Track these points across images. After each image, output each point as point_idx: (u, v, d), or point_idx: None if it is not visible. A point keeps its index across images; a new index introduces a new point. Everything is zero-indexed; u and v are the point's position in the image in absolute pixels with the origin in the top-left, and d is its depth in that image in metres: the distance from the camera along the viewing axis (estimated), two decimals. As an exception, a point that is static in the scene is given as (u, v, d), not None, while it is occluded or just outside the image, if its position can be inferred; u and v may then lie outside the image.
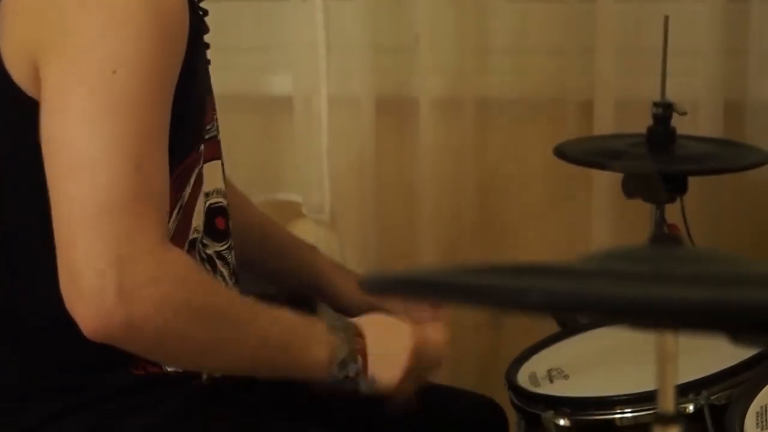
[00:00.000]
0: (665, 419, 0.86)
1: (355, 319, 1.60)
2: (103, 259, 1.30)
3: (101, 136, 1.33)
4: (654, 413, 0.87)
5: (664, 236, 0.77)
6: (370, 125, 2.41)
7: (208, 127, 1.58)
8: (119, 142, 1.33)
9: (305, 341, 1.50)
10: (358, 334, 1.56)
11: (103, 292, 1.30)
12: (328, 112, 2.44)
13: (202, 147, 1.53)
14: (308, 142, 2.44)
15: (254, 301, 1.49)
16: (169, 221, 1.44)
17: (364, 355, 1.55)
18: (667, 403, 0.86)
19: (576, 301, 0.74)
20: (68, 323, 1.40)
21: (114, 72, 1.34)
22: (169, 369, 1.54)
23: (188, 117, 1.46)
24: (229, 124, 1.72)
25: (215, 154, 1.63)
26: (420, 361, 1.58)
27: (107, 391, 1.52)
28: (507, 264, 0.81)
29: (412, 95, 2.41)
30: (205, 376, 1.58)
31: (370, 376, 1.56)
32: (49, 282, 1.42)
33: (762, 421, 1.38)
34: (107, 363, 1.51)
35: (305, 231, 2.43)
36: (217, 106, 1.63)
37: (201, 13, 1.56)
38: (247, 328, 1.45)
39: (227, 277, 1.64)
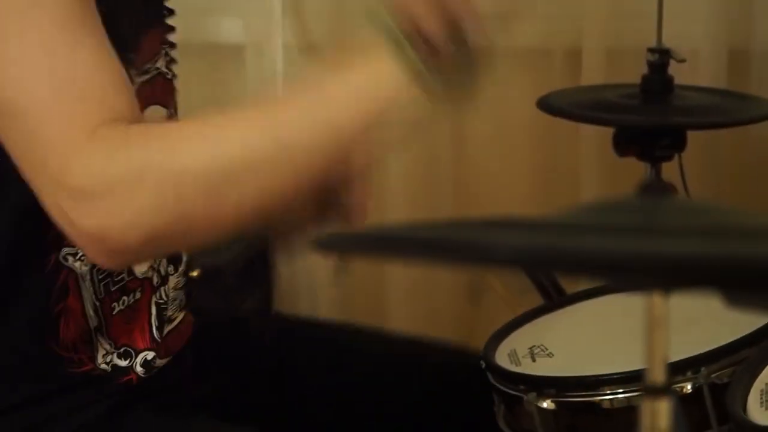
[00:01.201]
0: (654, 392, 0.85)
1: None
2: (59, 194, 1.29)
3: (18, 82, 1.32)
4: (643, 385, 0.86)
5: (652, 186, 0.76)
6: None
7: (145, 67, 1.57)
8: (26, 84, 1.32)
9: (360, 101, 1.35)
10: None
11: (83, 225, 1.28)
12: (283, 60, 2.46)
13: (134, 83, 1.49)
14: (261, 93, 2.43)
15: (260, 122, 1.35)
16: None
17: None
18: (657, 373, 0.85)
19: (549, 256, 0.74)
20: None
21: None
22: (101, 366, 1.54)
23: None
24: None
25: (157, 98, 1.61)
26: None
27: (39, 393, 1.52)
28: (475, 218, 0.81)
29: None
30: (140, 370, 1.57)
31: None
32: None
33: (766, 400, 1.38)
34: (39, 365, 1.52)
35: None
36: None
37: None
38: (276, 164, 1.32)
39: None
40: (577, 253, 0.73)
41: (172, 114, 1.67)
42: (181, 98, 1.76)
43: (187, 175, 1.29)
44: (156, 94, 1.60)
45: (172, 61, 1.64)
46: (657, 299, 0.83)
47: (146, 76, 1.57)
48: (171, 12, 1.67)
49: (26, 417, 1.52)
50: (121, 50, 1.40)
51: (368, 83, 1.33)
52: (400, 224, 0.84)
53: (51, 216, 1.30)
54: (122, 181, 1.27)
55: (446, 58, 1.32)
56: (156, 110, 1.60)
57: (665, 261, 0.72)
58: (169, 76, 1.63)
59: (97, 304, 1.53)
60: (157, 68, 1.61)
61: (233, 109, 1.36)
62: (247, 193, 1.31)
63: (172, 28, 1.65)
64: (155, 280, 1.59)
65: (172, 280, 1.64)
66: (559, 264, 0.77)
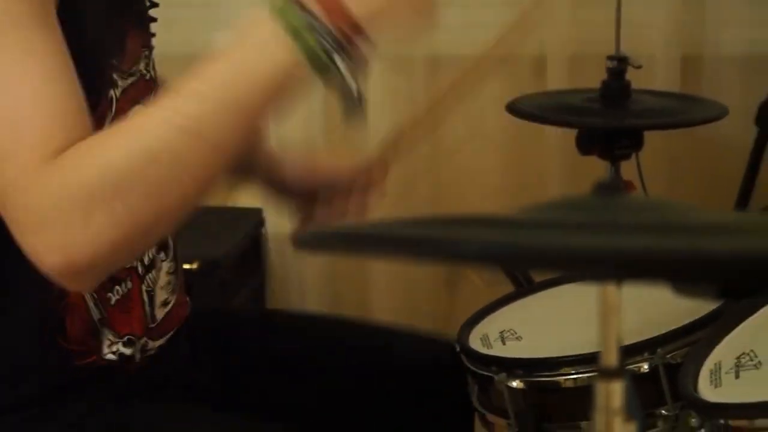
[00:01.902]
0: (608, 374, 0.86)
1: None
2: (16, 214, 1.28)
3: None
4: (597, 368, 0.87)
5: (607, 185, 0.76)
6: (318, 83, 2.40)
7: (129, 69, 1.54)
8: None
9: (256, 76, 1.28)
10: None
11: (41, 251, 1.26)
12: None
13: (113, 92, 1.47)
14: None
15: (171, 110, 1.29)
16: None
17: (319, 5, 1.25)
18: (610, 356, 0.86)
19: (512, 252, 0.74)
20: None
21: None
22: (107, 357, 1.52)
23: (82, 62, 1.37)
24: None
25: (140, 98, 1.57)
26: None
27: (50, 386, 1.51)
28: (444, 216, 0.81)
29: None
30: (138, 356, 1.56)
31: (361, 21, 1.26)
32: None
33: (716, 379, 1.39)
34: (49, 360, 1.50)
35: (250, 195, 2.44)
36: (160, 65, 1.62)
37: None
38: (187, 145, 1.27)
39: None
40: (536, 249, 0.74)
41: None
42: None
43: (124, 180, 1.25)
44: (139, 94, 1.58)
45: (151, 63, 1.62)
46: (610, 289, 0.84)
47: (131, 79, 1.55)
48: (153, 19, 1.65)
49: (38, 410, 1.50)
50: (107, 56, 1.39)
51: (269, 70, 1.27)
52: (376, 222, 0.84)
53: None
54: (72, 210, 1.24)
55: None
56: (140, 111, 1.59)
57: (617, 255, 0.73)
58: (148, 77, 1.60)
59: (95, 296, 1.53)
60: (140, 70, 1.59)
61: (149, 105, 1.34)
62: (180, 172, 1.27)
63: (152, 34, 1.63)
64: (140, 269, 1.57)
65: (165, 266, 1.62)
66: (520, 260, 0.77)
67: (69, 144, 1.27)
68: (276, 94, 1.29)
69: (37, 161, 1.25)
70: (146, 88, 1.59)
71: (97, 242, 1.25)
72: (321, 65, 1.25)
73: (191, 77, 1.27)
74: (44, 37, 1.31)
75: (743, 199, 2.25)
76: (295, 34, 1.24)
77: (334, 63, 1.25)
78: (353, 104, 1.29)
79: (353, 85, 1.28)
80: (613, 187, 0.86)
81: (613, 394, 0.86)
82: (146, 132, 1.28)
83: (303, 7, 1.24)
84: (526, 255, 0.74)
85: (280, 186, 1.79)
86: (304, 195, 1.76)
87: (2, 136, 1.27)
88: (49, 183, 1.25)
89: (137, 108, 1.54)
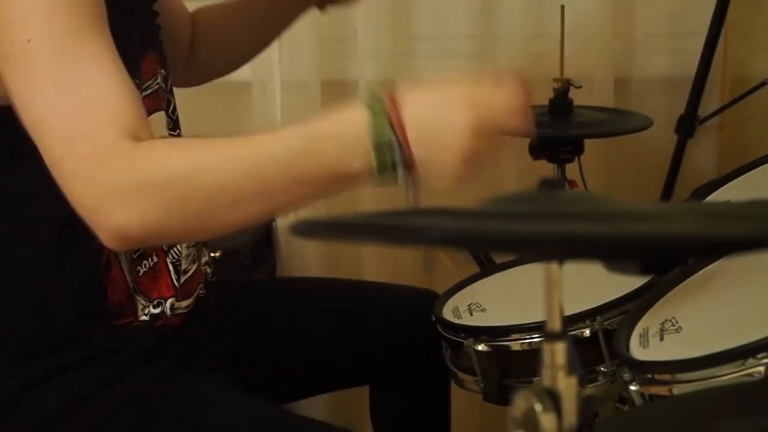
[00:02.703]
0: (553, 337, 0.85)
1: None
2: (83, 192, 1.24)
3: (45, 98, 1.26)
4: (544, 331, 0.86)
5: (549, 182, 0.75)
6: (317, 105, 2.41)
7: (147, 83, 1.53)
8: (53, 99, 1.26)
9: (319, 162, 1.21)
10: (390, 101, 1.20)
11: (100, 217, 1.23)
12: (281, 94, 2.45)
13: None
14: (265, 122, 2.42)
15: (243, 154, 1.23)
16: None
17: (402, 131, 1.18)
18: (554, 323, 0.85)
19: (470, 237, 0.74)
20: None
21: (28, 42, 1.26)
22: (141, 318, 1.52)
23: None
24: (192, 108, 1.69)
25: (158, 106, 1.57)
26: (488, 136, 1.21)
27: (96, 345, 1.50)
28: (416, 209, 0.81)
29: (352, 78, 2.41)
30: (168, 313, 1.55)
31: (417, 160, 1.18)
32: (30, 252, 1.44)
33: (644, 341, 1.39)
34: (95, 321, 1.49)
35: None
36: (183, 93, 1.62)
37: None
38: (250, 196, 1.22)
39: None
40: (490, 234, 0.73)
41: (171, 115, 1.63)
42: (201, 127, 1.74)
43: (187, 189, 1.22)
44: (157, 104, 1.57)
45: (165, 77, 1.60)
46: (552, 266, 0.83)
47: (149, 91, 1.54)
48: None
49: (87, 364, 1.49)
50: (129, 71, 1.37)
51: (342, 162, 1.21)
52: (360, 214, 0.83)
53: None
54: (133, 190, 1.21)
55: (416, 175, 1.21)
56: (158, 116, 1.57)
57: (557, 238, 0.72)
58: (164, 89, 1.59)
59: (129, 267, 1.51)
60: (157, 83, 1.58)
61: (234, 138, 1.26)
62: (237, 213, 1.24)
63: (165, 57, 1.62)
64: (164, 246, 1.55)
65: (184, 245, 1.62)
66: (477, 244, 0.77)
67: (133, 127, 1.25)
68: (336, 185, 1.23)
69: (108, 140, 1.23)
70: (162, 97, 1.59)
71: (148, 229, 1.23)
72: (386, 176, 1.20)
73: (276, 137, 1.23)
74: (106, 44, 1.30)
75: (666, 194, 2.26)
76: (378, 149, 1.18)
77: (396, 176, 1.19)
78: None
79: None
80: (554, 184, 0.85)
81: (557, 353, 0.85)
82: (221, 161, 1.23)
83: (391, 126, 1.18)
84: (481, 239, 0.74)
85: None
86: None
87: (74, 120, 1.24)
88: (120, 163, 1.22)
89: (156, 114, 1.55)
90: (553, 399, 0.84)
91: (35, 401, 1.49)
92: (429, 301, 1.79)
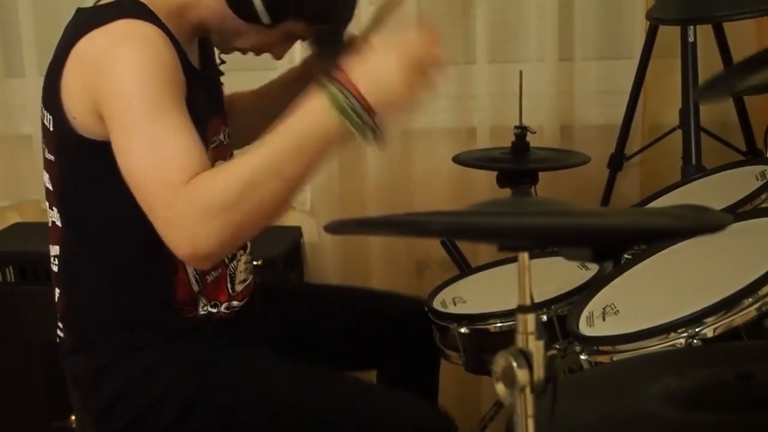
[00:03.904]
0: (525, 309, 0.84)
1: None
2: (162, 220, 1.28)
3: (139, 153, 1.30)
4: (517, 307, 0.85)
5: (519, 191, 0.74)
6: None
7: (213, 139, 1.54)
8: (145, 154, 1.30)
9: (312, 134, 1.28)
10: (337, 74, 1.27)
11: (182, 251, 1.27)
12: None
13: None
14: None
15: (257, 154, 1.29)
16: None
17: (350, 83, 1.26)
18: (525, 298, 0.84)
19: (462, 228, 0.73)
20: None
21: (128, 110, 1.31)
22: (200, 313, 1.52)
23: None
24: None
25: (222, 156, 1.58)
26: (419, 69, 1.28)
27: (167, 329, 1.51)
28: (422, 212, 0.80)
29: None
30: (224, 312, 1.55)
31: (373, 101, 1.25)
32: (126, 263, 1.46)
33: (590, 322, 1.37)
34: (164, 315, 1.50)
35: (293, 217, 2.43)
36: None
37: (200, 64, 1.54)
38: (270, 177, 1.27)
39: None
40: (478, 226, 0.72)
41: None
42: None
43: (235, 201, 1.25)
44: (221, 154, 1.58)
45: (228, 133, 1.61)
46: (524, 255, 0.82)
47: (214, 144, 1.55)
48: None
49: (162, 346, 1.50)
50: (199, 131, 1.38)
51: (322, 132, 1.27)
52: (381, 215, 0.82)
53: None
54: (195, 220, 1.25)
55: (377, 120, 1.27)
56: (221, 164, 1.58)
57: (528, 229, 0.72)
58: (225, 143, 1.60)
59: (197, 277, 1.51)
60: (220, 139, 1.58)
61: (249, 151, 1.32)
62: (266, 196, 1.27)
63: (227, 117, 1.63)
64: (226, 261, 1.56)
65: (243, 258, 1.61)
66: (468, 233, 0.76)
67: (199, 173, 1.27)
68: (327, 144, 1.28)
69: (178, 183, 1.26)
70: (225, 150, 1.60)
71: (214, 241, 1.26)
72: (358, 129, 1.25)
73: (274, 133, 1.28)
74: (183, 112, 1.33)
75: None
76: (342, 111, 1.25)
77: (366, 128, 1.26)
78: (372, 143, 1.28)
79: (374, 135, 1.27)
80: (523, 192, 0.84)
81: (529, 322, 0.84)
82: (247, 169, 1.27)
83: (343, 90, 1.25)
84: (470, 230, 0.73)
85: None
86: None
87: (157, 170, 1.28)
88: (185, 198, 1.26)
89: (219, 163, 1.54)
90: (525, 358, 0.84)
91: (121, 367, 1.50)
92: (419, 304, 1.77)
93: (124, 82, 1.31)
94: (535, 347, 0.84)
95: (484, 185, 2.25)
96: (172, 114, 1.31)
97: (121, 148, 1.31)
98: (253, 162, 1.28)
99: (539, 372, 0.84)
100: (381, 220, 0.74)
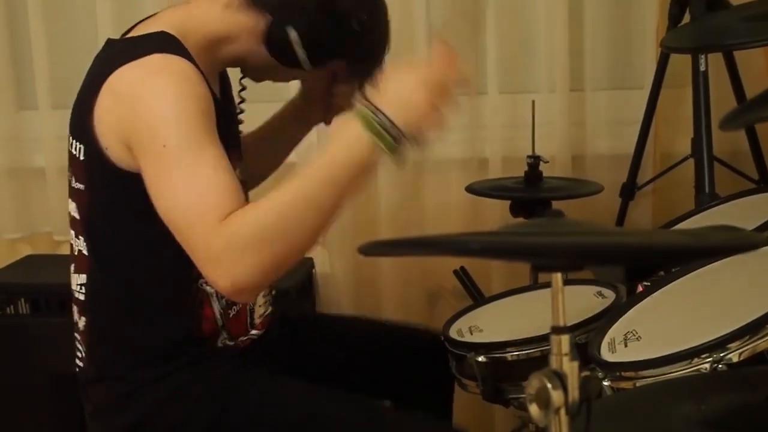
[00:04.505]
0: (559, 330, 0.84)
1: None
2: (201, 256, 1.30)
3: (176, 187, 1.32)
4: (551, 327, 0.85)
5: (554, 212, 0.75)
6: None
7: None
8: (182, 189, 1.31)
9: (344, 162, 1.29)
10: (366, 101, 1.30)
11: (222, 284, 1.29)
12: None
13: None
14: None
15: (291, 187, 1.30)
16: None
17: (381, 111, 1.28)
18: (559, 320, 0.84)
19: (500, 247, 0.73)
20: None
21: (164, 146, 1.32)
22: (219, 346, 1.53)
23: None
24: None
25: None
26: (441, 87, 1.30)
27: (192, 358, 1.51)
28: (456, 233, 0.80)
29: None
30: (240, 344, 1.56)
31: (400, 120, 1.27)
32: (152, 293, 1.46)
33: (612, 348, 1.37)
34: (189, 346, 1.51)
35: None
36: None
37: (220, 98, 1.54)
38: (304, 208, 1.28)
39: None
40: (515, 245, 0.72)
41: (247, 197, 1.62)
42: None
43: (269, 236, 1.27)
44: None
45: (244, 168, 1.61)
46: (557, 276, 0.82)
47: None
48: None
49: (186, 371, 1.51)
50: None
51: (355, 157, 1.28)
52: (414, 236, 0.82)
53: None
54: (235, 255, 1.26)
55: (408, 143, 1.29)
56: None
57: (564, 248, 0.72)
58: (241, 179, 1.61)
59: (221, 312, 1.52)
60: (237, 175, 1.59)
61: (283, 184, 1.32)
62: (301, 228, 1.28)
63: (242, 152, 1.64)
64: None
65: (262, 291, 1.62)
66: (503, 252, 0.76)
67: (234, 209, 1.28)
68: (363, 176, 1.31)
69: (215, 221, 1.27)
70: (242, 186, 1.59)
71: (253, 275, 1.27)
72: (389, 147, 1.27)
73: (306, 166, 1.30)
74: (217, 148, 1.35)
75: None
76: (376, 133, 1.26)
77: (396, 146, 1.27)
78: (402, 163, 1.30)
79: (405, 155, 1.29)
80: (557, 213, 0.85)
81: (563, 343, 0.84)
82: (281, 201, 1.29)
83: (373, 113, 1.27)
84: (508, 249, 0.73)
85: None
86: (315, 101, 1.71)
87: (196, 204, 1.29)
88: (222, 236, 1.27)
89: None
90: (560, 379, 0.83)
91: (144, 395, 1.50)
92: (430, 334, 1.77)
93: (159, 118, 1.32)
94: (570, 368, 0.84)
95: (496, 215, 2.25)
96: (208, 149, 1.32)
97: (156, 185, 1.32)
98: (287, 195, 1.29)
99: (574, 393, 0.83)
100: (417, 241, 0.74)
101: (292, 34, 1.43)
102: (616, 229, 0.82)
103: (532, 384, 0.84)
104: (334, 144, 1.31)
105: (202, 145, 1.32)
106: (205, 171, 1.31)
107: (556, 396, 0.83)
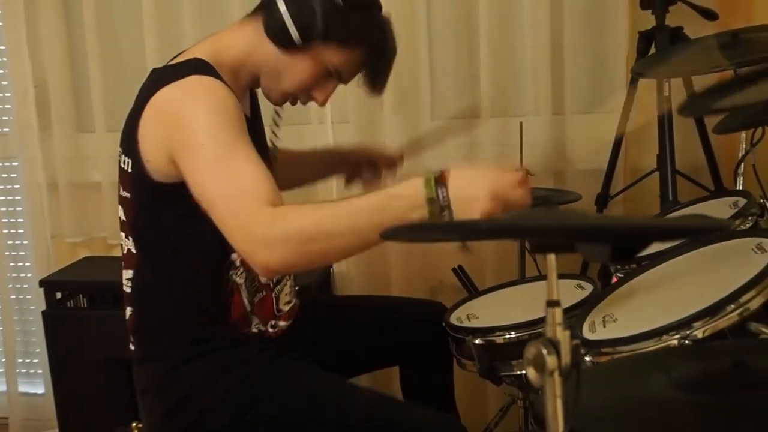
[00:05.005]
0: (553, 304, 0.84)
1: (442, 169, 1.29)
2: (242, 242, 1.30)
3: (218, 180, 1.32)
4: (546, 301, 0.85)
5: (549, 205, 0.75)
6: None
7: None
8: (224, 180, 1.32)
9: (393, 206, 1.28)
10: (441, 180, 1.26)
11: (259, 256, 1.28)
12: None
13: None
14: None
15: (340, 205, 1.31)
16: None
17: (445, 178, 1.25)
18: (553, 294, 0.84)
19: (505, 228, 0.74)
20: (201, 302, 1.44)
21: (202, 146, 1.33)
22: (253, 330, 1.52)
23: None
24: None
25: None
26: (503, 201, 1.24)
27: (224, 342, 1.51)
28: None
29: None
30: (270, 331, 1.56)
31: (455, 204, 1.23)
32: (192, 283, 1.47)
33: (592, 329, 1.36)
34: (221, 331, 1.50)
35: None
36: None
37: (250, 115, 1.55)
38: (344, 226, 1.28)
39: None
40: (519, 226, 0.73)
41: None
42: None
43: (309, 238, 1.27)
44: None
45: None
46: (551, 257, 0.82)
47: None
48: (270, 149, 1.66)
49: (219, 355, 1.51)
50: None
51: (403, 208, 1.27)
52: (429, 222, 0.83)
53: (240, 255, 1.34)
54: (283, 238, 1.27)
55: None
56: None
57: (562, 228, 0.72)
58: None
59: (249, 299, 1.52)
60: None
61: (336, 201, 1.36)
62: (336, 244, 1.29)
63: (272, 161, 1.64)
64: (271, 285, 1.56)
65: (289, 282, 1.61)
66: (510, 232, 0.77)
67: (272, 200, 1.29)
68: (401, 215, 1.27)
69: (255, 207, 1.28)
70: None
71: (285, 263, 1.29)
72: (431, 214, 1.23)
73: (361, 199, 1.30)
74: (249, 145, 1.35)
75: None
76: (429, 202, 1.25)
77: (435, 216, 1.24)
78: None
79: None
80: (551, 203, 0.85)
81: (556, 314, 0.84)
82: (328, 217, 1.29)
83: (437, 187, 1.25)
84: (513, 228, 0.73)
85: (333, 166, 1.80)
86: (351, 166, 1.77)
87: (233, 200, 1.30)
88: (268, 220, 1.28)
89: None
90: (554, 346, 0.84)
91: (184, 375, 1.50)
92: (437, 307, 1.78)
93: (198, 124, 1.33)
94: (562, 336, 0.84)
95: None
96: (242, 147, 1.33)
97: (200, 183, 1.33)
98: (335, 211, 1.30)
99: (566, 358, 0.84)
100: (434, 226, 0.75)
101: (281, 7, 1.43)
102: (605, 215, 0.82)
103: (530, 350, 0.84)
104: (394, 190, 1.30)
105: (236, 143, 1.33)
106: (242, 165, 1.31)
107: (551, 361, 0.83)
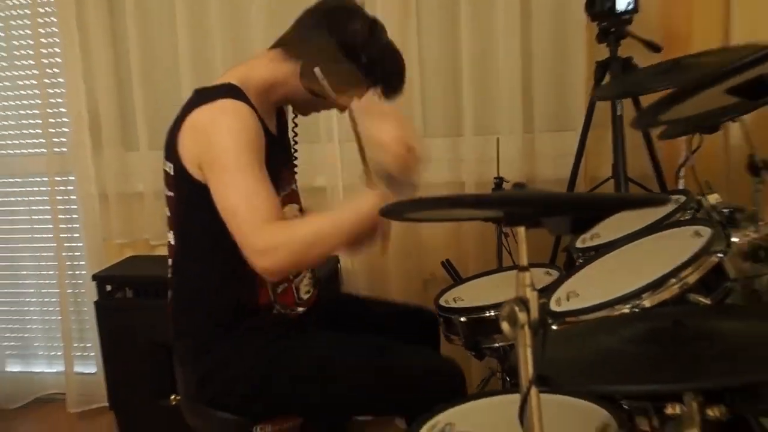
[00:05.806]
0: (522, 268, 0.86)
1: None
2: (249, 249, 1.33)
3: (232, 194, 1.36)
4: (517, 267, 0.87)
5: (519, 184, 0.77)
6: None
7: (285, 188, 1.58)
8: (237, 195, 1.35)
9: (353, 215, 1.38)
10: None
11: (257, 263, 1.33)
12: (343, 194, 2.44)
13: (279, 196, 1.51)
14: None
15: (323, 220, 1.38)
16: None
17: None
18: (523, 260, 0.86)
19: (488, 200, 0.75)
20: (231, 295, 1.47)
21: (224, 165, 1.36)
22: (274, 313, 1.53)
23: None
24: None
25: (293, 201, 1.61)
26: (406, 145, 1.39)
27: (249, 322, 1.52)
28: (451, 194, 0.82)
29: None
30: (293, 314, 1.56)
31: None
32: (225, 275, 1.48)
33: (559, 303, 1.37)
34: (252, 314, 1.52)
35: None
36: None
37: (276, 131, 1.57)
38: (330, 235, 1.36)
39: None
40: (498, 198, 0.75)
41: (300, 205, 1.65)
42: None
43: (304, 244, 1.33)
44: (293, 199, 1.61)
45: (296, 183, 1.64)
46: (521, 230, 0.84)
47: (287, 191, 1.58)
48: (295, 163, 1.67)
49: (248, 334, 1.52)
50: (274, 181, 1.41)
51: (364, 208, 1.36)
52: (420, 197, 0.83)
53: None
54: (274, 249, 1.31)
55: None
56: (292, 207, 1.62)
57: (531, 198, 0.75)
58: (295, 188, 1.63)
59: (272, 288, 1.53)
60: (292, 188, 1.61)
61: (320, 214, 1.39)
62: (325, 247, 1.36)
63: (296, 172, 1.66)
64: (291, 277, 1.58)
65: (308, 274, 1.63)
66: (492, 203, 0.78)
67: (274, 217, 1.34)
68: (363, 225, 1.38)
69: (259, 223, 1.33)
70: (295, 195, 1.62)
71: (282, 265, 1.33)
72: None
73: (341, 213, 1.37)
74: (263, 169, 1.39)
75: (555, 245, 2.25)
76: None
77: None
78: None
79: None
80: (522, 185, 0.87)
81: (526, 277, 0.86)
82: (319, 226, 1.36)
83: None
84: (494, 200, 0.75)
85: None
86: None
87: (246, 213, 1.34)
88: (273, 231, 1.33)
89: (290, 206, 1.59)
90: (524, 303, 0.85)
91: (214, 349, 1.51)
92: (426, 310, 1.78)
93: (223, 144, 1.36)
94: (532, 296, 0.86)
95: (472, 222, 2.27)
96: (257, 170, 1.37)
97: (221, 191, 1.36)
98: (324, 222, 1.36)
99: (534, 314, 0.85)
100: (425, 200, 0.77)
101: (317, 72, 1.47)
102: (568, 192, 0.84)
103: (505, 309, 0.86)
104: (357, 200, 1.39)
105: (253, 166, 1.36)
106: (257, 185, 1.35)
107: (522, 316, 0.85)
